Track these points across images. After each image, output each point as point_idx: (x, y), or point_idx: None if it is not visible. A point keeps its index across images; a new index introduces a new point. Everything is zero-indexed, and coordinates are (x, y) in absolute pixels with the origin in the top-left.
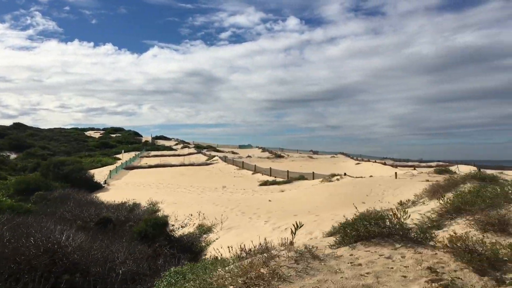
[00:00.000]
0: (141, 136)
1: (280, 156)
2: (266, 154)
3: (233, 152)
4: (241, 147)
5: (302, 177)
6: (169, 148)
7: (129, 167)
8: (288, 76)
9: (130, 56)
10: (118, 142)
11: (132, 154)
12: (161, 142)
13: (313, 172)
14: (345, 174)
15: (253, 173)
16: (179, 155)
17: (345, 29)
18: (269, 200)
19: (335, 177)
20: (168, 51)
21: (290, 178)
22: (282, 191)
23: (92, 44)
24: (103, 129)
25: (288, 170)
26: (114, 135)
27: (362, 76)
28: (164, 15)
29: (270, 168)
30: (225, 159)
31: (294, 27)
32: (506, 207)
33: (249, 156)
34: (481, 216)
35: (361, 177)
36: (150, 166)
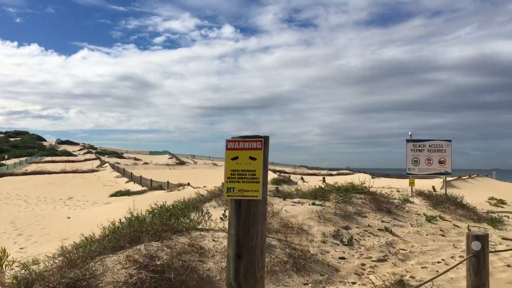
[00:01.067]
0: (44, 141)
1: (182, 163)
2: (172, 161)
3: (135, 159)
4: (151, 153)
5: (160, 187)
6: (69, 154)
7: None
8: (222, 83)
9: (58, 58)
10: (13, 147)
11: (24, 159)
12: (64, 147)
13: (167, 182)
14: (188, 184)
15: (126, 182)
16: (73, 161)
17: (278, 39)
18: (68, 217)
19: (181, 187)
20: (98, 53)
21: (151, 187)
22: (107, 204)
23: (16, 43)
24: (4, 132)
25: (151, 179)
26: (13, 139)
27: (294, 85)
28: (95, 16)
29: (141, 176)
30: (112, 166)
31: (229, 35)
32: None
33: (146, 163)
34: None
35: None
36: (25, 173)
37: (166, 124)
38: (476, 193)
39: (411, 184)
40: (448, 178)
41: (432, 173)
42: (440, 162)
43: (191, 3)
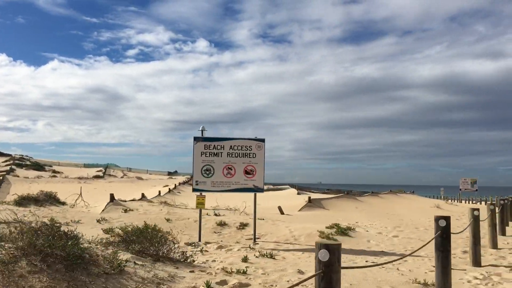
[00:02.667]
0: None
1: (98, 177)
2: (95, 174)
3: (54, 171)
4: (86, 166)
5: None
6: None
7: None
8: (195, 97)
9: (27, 69)
10: None
11: None
12: None
13: None
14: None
15: None
16: None
17: (252, 54)
18: None
19: None
20: (69, 65)
21: None
22: None
23: None
24: None
25: None
26: None
27: (267, 101)
28: (67, 27)
29: None
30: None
31: (203, 49)
32: None
33: (54, 176)
34: None
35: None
36: None
37: (137, 137)
38: (342, 215)
39: (200, 205)
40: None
41: (233, 188)
42: (246, 173)
43: (166, 16)
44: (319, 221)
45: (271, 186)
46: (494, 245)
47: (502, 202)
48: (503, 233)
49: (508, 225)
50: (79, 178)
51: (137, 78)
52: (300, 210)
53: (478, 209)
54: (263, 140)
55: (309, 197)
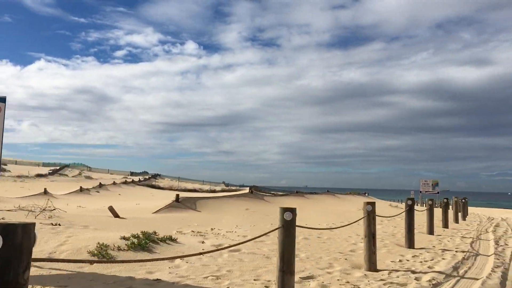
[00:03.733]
0: None
1: (40, 176)
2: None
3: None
4: (44, 165)
5: None
6: None
7: None
8: (183, 99)
9: (12, 68)
10: None
11: None
12: None
13: None
14: None
15: None
16: None
17: (241, 57)
18: None
19: None
20: (56, 65)
21: None
22: None
23: None
24: None
25: None
26: None
27: (255, 104)
28: (54, 27)
29: None
30: None
31: (192, 51)
32: None
33: None
34: None
35: None
36: None
37: (124, 139)
38: (213, 217)
39: None
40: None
41: None
42: None
43: (155, 18)
44: (159, 226)
45: (225, 187)
46: (431, 232)
47: (445, 200)
48: (446, 226)
49: (457, 222)
50: (18, 176)
51: (125, 79)
52: (156, 212)
53: (412, 198)
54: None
55: (177, 195)
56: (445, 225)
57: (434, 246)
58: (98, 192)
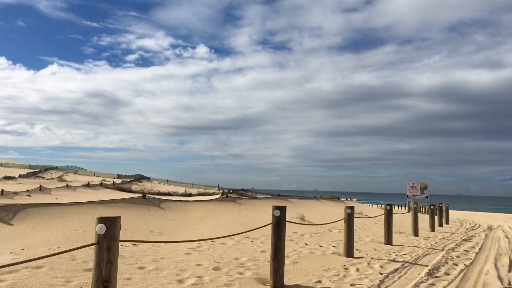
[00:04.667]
0: None
1: (8, 178)
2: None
3: None
4: (31, 167)
5: None
6: None
7: None
8: (194, 103)
9: (26, 72)
10: None
11: None
12: None
13: None
14: None
15: None
16: None
17: (252, 61)
18: None
19: None
20: (68, 69)
21: None
22: None
23: None
24: None
25: None
26: None
27: (266, 107)
28: (67, 31)
29: None
30: None
31: (203, 55)
32: None
33: None
34: None
35: None
36: None
37: (135, 142)
38: None
39: None
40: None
41: None
42: None
43: (166, 22)
44: None
45: (202, 191)
46: (416, 233)
47: (432, 207)
48: (433, 229)
49: (441, 225)
50: None
51: (136, 83)
52: None
53: (391, 205)
54: None
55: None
56: (432, 227)
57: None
58: (30, 196)
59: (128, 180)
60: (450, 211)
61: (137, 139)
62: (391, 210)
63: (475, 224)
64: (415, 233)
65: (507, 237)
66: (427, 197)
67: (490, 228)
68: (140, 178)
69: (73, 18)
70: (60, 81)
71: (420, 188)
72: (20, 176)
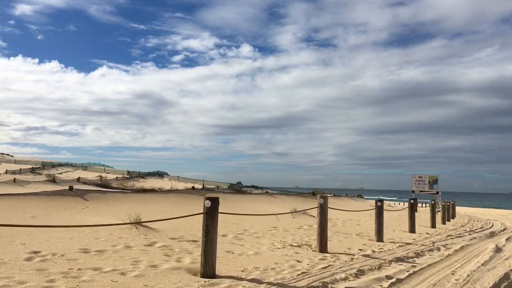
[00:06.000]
0: None
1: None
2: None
3: None
4: (43, 164)
5: None
6: None
7: None
8: (238, 102)
9: (77, 75)
10: None
11: None
12: None
13: None
14: None
15: None
16: None
17: (296, 59)
18: None
19: None
20: (117, 71)
21: None
22: None
23: (37, 60)
24: None
25: None
26: None
27: (310, 105)
28: (115, 34)
29: None
30: None
31: (247, 54)
32: None
33: None
34: None
35: None
36: None
37: (181, 142)
38: None
39: None
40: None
41: None
42: None
43: (211, 22)
44: None
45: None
46: (412, 231)
47: (443, 203)
48: (433, 225)
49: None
50: None
51: (182, 84)
52: None
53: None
54: None
55: (71, 186)
56: (433, 225)
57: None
58: None
59: (129, 176)
60: (483, 210)
61: (183, 138)
62: (381, 208)
63: (491, 225)
64: (412, 229)
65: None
66: (437, 192)
67: (503, 231)
68: (155, 174)
69: (121, 21)
70: (110, 83)
71: (429, 182)
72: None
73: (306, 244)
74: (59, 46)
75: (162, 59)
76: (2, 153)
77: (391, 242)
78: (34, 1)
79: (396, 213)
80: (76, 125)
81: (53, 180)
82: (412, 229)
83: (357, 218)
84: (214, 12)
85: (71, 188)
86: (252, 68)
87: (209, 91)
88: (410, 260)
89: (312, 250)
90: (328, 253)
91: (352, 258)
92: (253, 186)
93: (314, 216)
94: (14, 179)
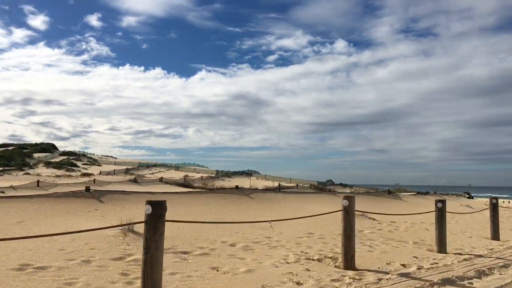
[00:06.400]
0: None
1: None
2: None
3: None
4: (140, 165)
5: None
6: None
7: None
8: (334, 98)
9: (178, 80)
10: None
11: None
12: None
13: None
14: None
15: None
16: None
17: (394, 51)
18: None
19: None
20: (215, 74)
21: None
22: None
23: (142, 68)
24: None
25: None
26: None
27: (410, 99)
28: (212, 39)
29: None
30: None
31: (342, 50)
32: None
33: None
34: None
35: None
36: None
37: (277, 141)
38: None
39: None
40: None
41: None
42: None
43: (304, 20)
44: None
45: (286, 184)
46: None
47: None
48: None
49: None
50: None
51: (277, 83)
52: None
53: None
54: None
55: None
56: None
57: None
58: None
59: (214, 175)
60: None
61: (279, 137)
62: (442, 208)
63: None
64: (494, 236)
65: None
66: None
67: None
68: (243, 173)
69: (218, 26)
70: (208, 86)
71: None
72: (100, 173)
73: (331, 258)
74: (162, 53)
75: (257, 60)
76: (107, 156)
77: (457, 253)
78: (138, 12)
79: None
80: (179, 128)
81: (134, 180)
82: (495, 236)
83: (431, 221)
84: (307, 9)
85: (87, 189)
86: (347, 64)
87: (304, 89)
88: (466, 282)
89: (335, 266)
90: (355, 269)
91: (379, 279)
92: (340, 184)
93: (374, 219)
94: (38, 181)
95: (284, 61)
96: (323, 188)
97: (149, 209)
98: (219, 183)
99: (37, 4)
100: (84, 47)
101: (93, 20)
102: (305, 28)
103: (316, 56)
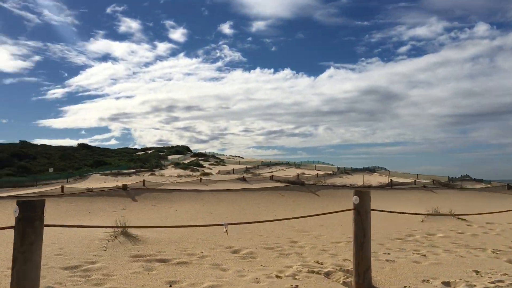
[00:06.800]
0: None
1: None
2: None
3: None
4: (264, 163)
5: None
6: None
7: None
8: (475, 87)
9: (307, 79)
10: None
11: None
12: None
13: None
14: None
15: None
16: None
17: None
18: None
19: None
20: (343, 71)
21: None
22: None
23: (272, 70)
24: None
25: None
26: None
27: None
28: (340, 35)
29: None
30: None
31: (483, 34)
32: None
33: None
34: None
35: None
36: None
37: (412, 135)
38: None
39: None
40: None
41: None
42: None
43: (438, 5)
44: None
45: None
46: None
47: None
48: None
49: None
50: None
51: (410, 75)
52: None
53: None
54: None
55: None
56: None
57: None
58: None
59: (332, 173)
60: None
61: (414, 131)
62: None
63: None
64: None
65: None
66: None
67: None
68: (365, 170)
69: (346, 21)
70: (337, 83)
71: None
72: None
73: (347, 271)
74: (290, 54)
75: (388, 53)
76: (235, 156)
77: None
78: (267, 16)
79: None
80: (309, 126)
81: (243, 179)
82: None
83: None
84: None
85: (125, 188)
86: (491, 48)
87: (441, 79)
88: None
89: (343, 283)
90: None
91: None
92: (474, 180)
93: (464, 220)
94: (143, 181)
95: (417, 51)
96: (449, 184)
97: (17, 211)
98: (331, 180)
99: (177, 19)
100: (218, 54)
101: (226, 28)
102: (440, 14)
103: (453, 43)
